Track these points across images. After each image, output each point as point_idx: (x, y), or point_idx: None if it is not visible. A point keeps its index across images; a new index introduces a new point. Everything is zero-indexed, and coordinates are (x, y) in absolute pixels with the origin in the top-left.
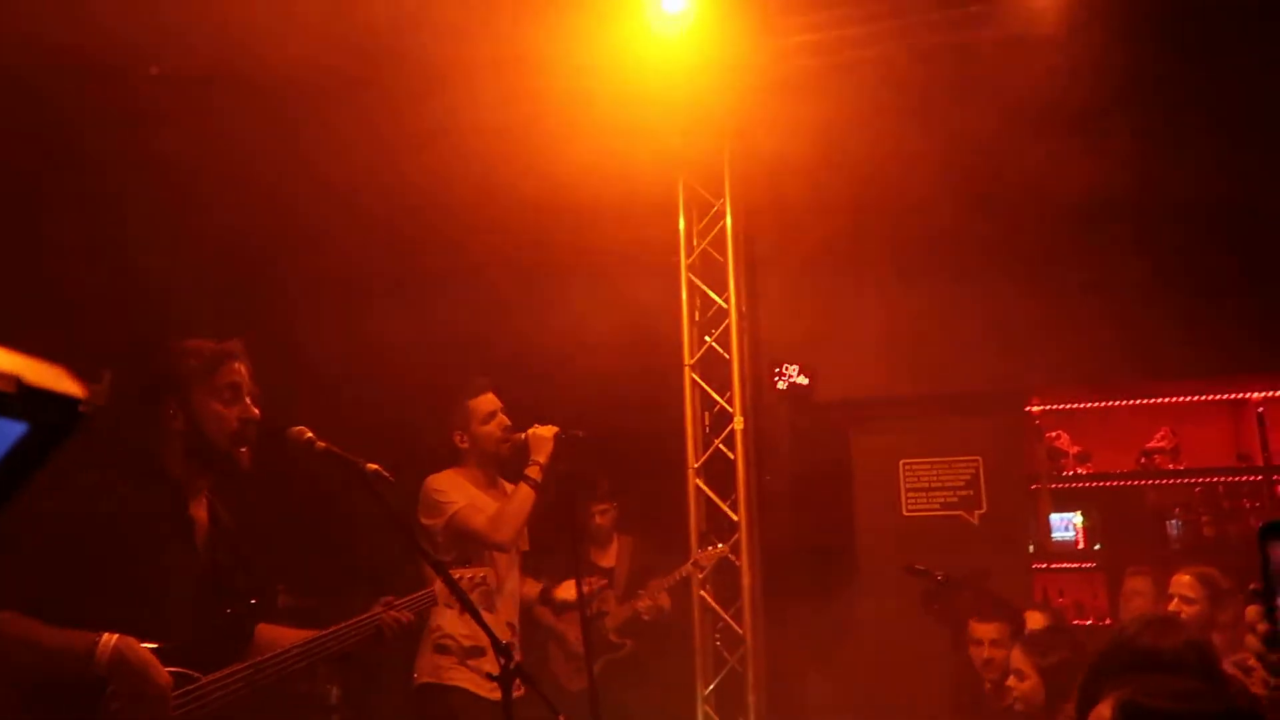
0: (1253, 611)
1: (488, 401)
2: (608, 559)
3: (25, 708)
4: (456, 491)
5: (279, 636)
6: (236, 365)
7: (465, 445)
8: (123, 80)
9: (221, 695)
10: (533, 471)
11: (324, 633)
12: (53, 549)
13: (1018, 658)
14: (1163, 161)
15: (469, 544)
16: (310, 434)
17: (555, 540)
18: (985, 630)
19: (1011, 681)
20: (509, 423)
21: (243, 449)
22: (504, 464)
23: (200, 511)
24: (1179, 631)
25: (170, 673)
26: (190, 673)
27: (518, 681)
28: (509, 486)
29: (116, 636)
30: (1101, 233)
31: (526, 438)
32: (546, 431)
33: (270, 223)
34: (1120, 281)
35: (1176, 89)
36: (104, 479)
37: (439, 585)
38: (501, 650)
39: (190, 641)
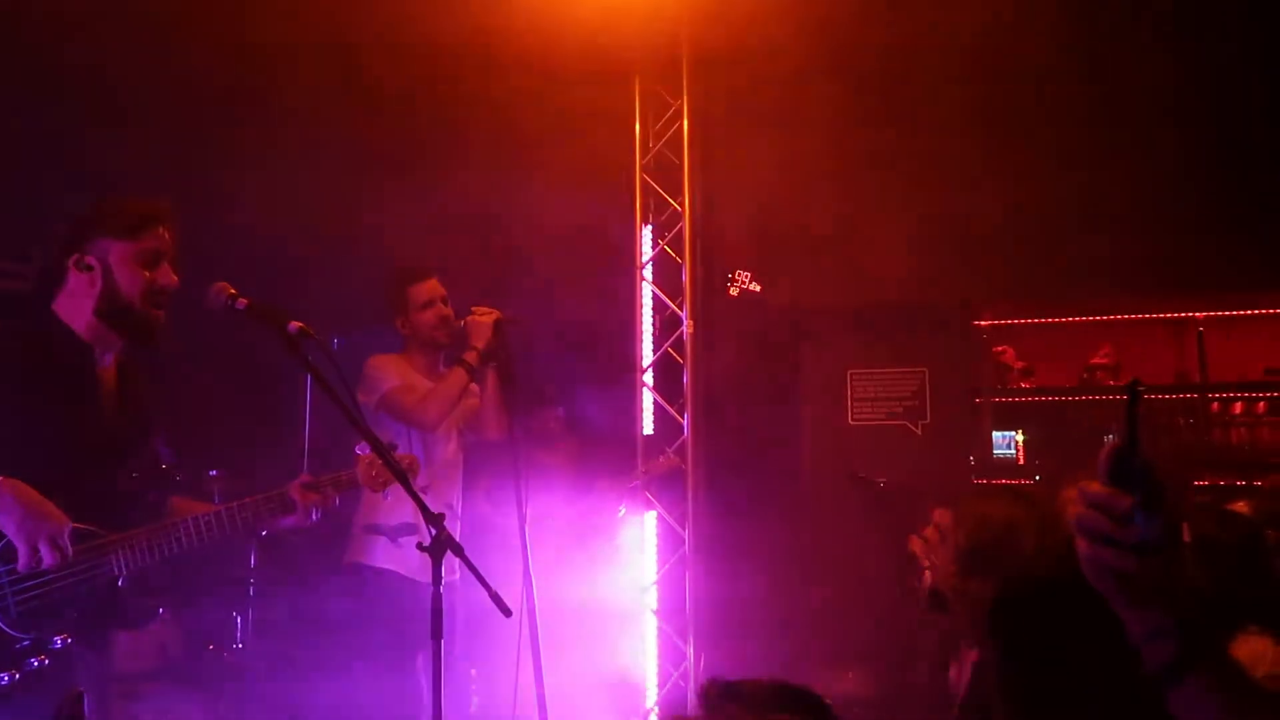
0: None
1: (428, 289)
2: (555, 457)
3: None
4: (393, 371)
5: (193, 509)
6: (160, 230)
7: (406, 332)
8: None
9: (128, 556)
10: (469, 356)
11: (233, 504)
12: None
13: None
14: (1114, 71)
15: (399, 423)
16: (232, 290)
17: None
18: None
19: None
20: (449, 312)
21: (158, 311)
22: (447, 351)
23: (108, 373)
24: None
25: (72, 527)
26: (93, 529)
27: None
28: None
29: (4, 478)
30: (1047, 147)
31: (465, 324)
32: (486, 318)
33: (219, 81)
34: (1068, 198)
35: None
36: (3, 329)
37: (360, 468)
38: (432, 519)
39: (90, 501)
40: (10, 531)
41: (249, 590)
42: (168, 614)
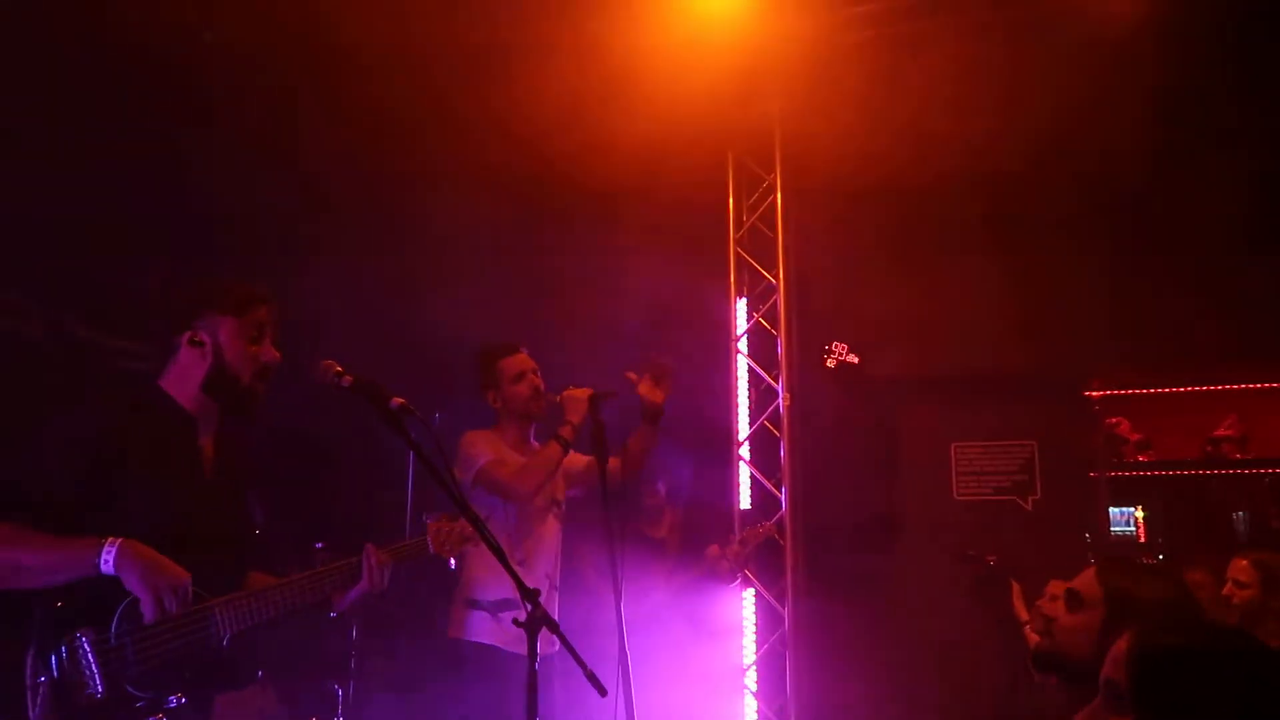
0: None
1: (518, 362)
2: (659, 530)
3: (45, 622)
4: (486, 446)
5: (267, 581)
6: (264, 308)
7: (498, 405)
8: None
9: (229, 617)
10: (565, 431)
11: (306, 573)
12: (57, 465)
13: None
14: (1224, 143)
15: (496, 497)
16: (339, 368)
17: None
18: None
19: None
20: (541, 384)
21: (261, 386)
22: (539, 425)
23: (209, 444)
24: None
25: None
26: (197, 590)
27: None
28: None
29: (123, 539)
30: (1163, 212)
31: (561, 399)
32: (581, 393)
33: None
34: (1184, 263)
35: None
36: (114, 402)
37: (430, 534)
38: (527, 595)
39: (190, 566)
40: (134, 585)
41: (350, 663)
42: (267, 681)
